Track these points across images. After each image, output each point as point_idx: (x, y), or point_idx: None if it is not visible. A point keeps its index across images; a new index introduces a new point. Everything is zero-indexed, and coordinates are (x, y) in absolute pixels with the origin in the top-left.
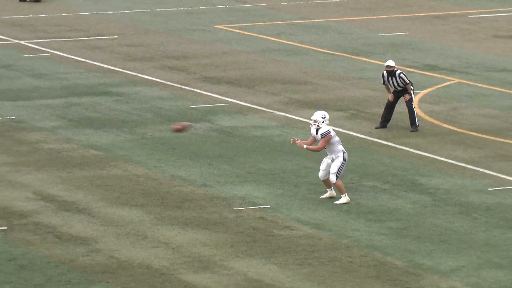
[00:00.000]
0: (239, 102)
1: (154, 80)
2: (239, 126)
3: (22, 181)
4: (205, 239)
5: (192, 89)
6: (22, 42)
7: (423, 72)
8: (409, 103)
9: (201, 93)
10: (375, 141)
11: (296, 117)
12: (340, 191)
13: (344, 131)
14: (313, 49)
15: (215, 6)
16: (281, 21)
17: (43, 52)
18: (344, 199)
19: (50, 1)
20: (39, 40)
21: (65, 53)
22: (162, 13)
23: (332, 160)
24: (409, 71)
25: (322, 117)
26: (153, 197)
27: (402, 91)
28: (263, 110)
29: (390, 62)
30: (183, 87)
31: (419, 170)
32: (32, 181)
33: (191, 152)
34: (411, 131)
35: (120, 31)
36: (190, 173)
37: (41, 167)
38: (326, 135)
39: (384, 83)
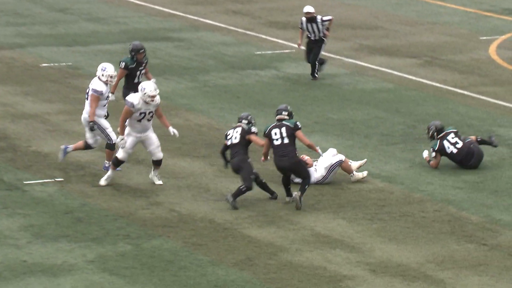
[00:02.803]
0: None
1: (217, 25)
2: (306, 74)
3: (79, 131)
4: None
5: (257, 35)
6: None
7: (501, 17)
8: (318, 52)
9: (266, 38)
10: (450, 90)
11: (366, 64)
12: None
13: (418, 79)
14: None
15: None
16: None
17: None
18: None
19: None
20: None
21: None
22: None
23: None
24: (487, 15)
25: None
26: (216, 148)
27: (317, 41)
28: (332, 57)
29: (309, 8)
30: (247, 32)
31: (496, 121)
32: None
33: (256, 101)
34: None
35: None
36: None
37: None
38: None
39: (301, 29)
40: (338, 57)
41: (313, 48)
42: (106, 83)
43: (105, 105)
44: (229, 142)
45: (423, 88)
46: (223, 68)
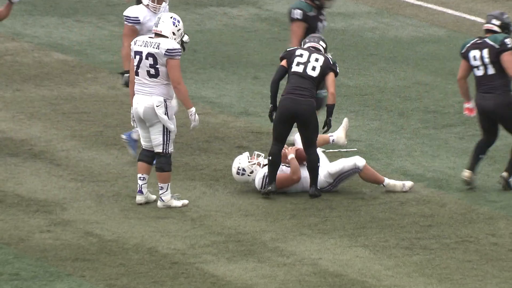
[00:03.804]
0: None
1: None
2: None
3: None
4: (246, 205)
5: None
6: None
7: None
8: None
9: None
10: None
11: None
12: None
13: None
14: None
15: None
16: None
17: None
18: None
19: None
20: None
21: None
22: None
23: None
24: None
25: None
26: None
27: None
28: None
29: None
30: None
31: None
32: None
33: (225, 57)
34: None
35: None
36: (223, 92)
37: None
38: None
39: None
40: None
41: None
42: (147, 7)
43: None
44: (295, 68)
45: None
46: (171, 4)
